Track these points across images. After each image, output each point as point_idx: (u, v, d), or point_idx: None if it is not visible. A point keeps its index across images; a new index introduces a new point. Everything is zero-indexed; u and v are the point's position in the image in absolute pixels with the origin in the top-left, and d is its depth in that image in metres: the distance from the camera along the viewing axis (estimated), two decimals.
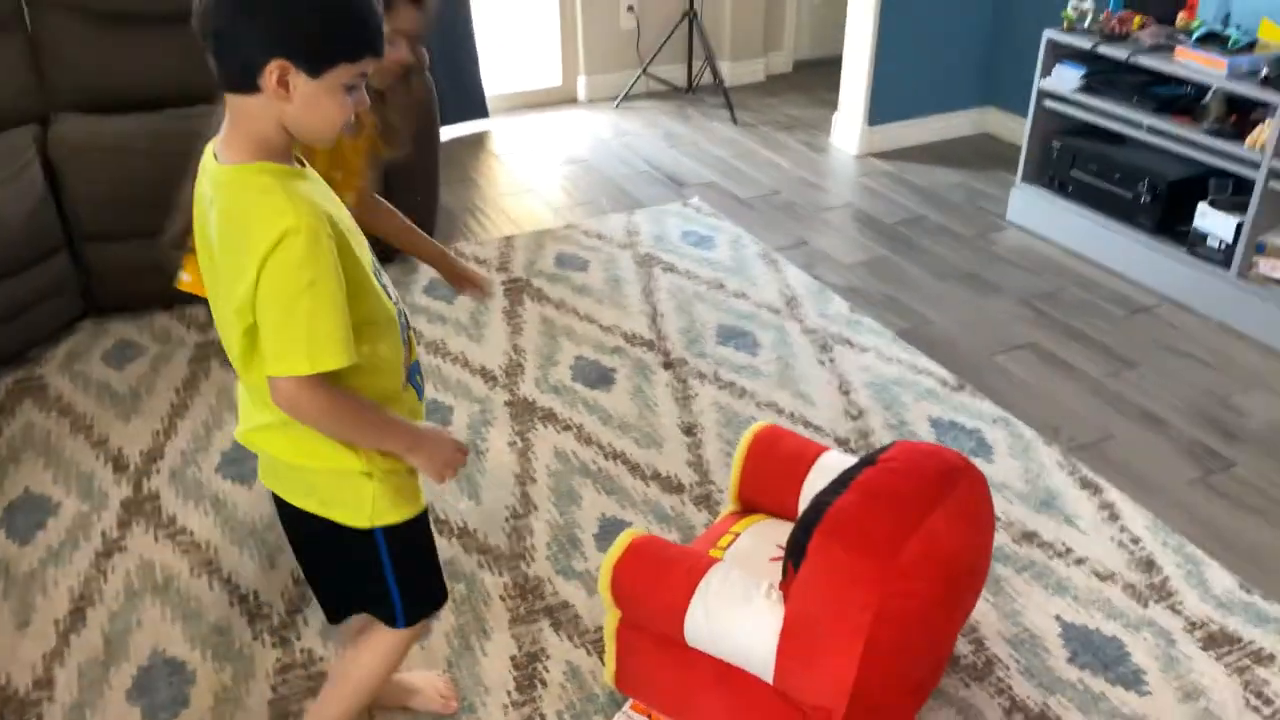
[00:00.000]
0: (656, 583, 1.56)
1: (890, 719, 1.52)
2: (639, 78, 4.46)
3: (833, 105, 4.07)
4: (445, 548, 1.99)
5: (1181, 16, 2.94)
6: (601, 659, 1.74)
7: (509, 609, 1.87)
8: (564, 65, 4.50)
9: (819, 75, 4.74)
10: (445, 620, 1.84)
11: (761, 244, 3.23)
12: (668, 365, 2.61)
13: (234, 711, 1.68)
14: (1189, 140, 2.79)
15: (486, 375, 2.56)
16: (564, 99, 4.54)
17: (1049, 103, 3.17)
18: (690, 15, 4.35)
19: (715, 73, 4.43)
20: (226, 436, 2.32)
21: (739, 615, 1.47)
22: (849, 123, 3.95)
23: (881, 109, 3.89)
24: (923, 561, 1.42)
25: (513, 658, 1.77)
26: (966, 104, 4.05)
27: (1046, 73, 3.14)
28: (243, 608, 1.88)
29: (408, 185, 2.93)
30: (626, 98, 4.49)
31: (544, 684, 1.72)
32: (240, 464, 2.23)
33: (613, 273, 3.07)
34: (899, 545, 1.41)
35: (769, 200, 3.58)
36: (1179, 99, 2.89)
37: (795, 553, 1.43)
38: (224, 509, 2.12)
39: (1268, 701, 1.69)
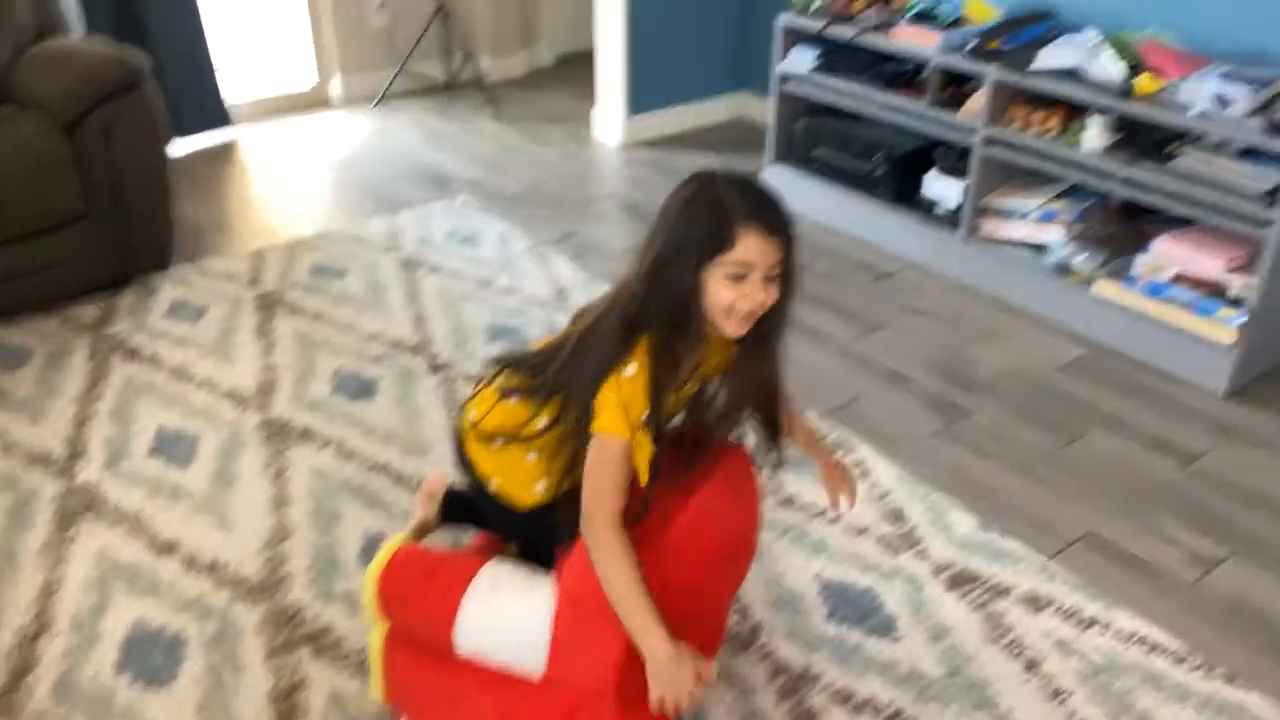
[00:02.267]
0: (425, 587, 1.53)
1: None
2: (396, 76, 4.35)
3: (595, 98, 4.10)
4: (192, 585, 1.87)
5: None
6: (367, 680, 1.67)
7: (265, 643, 1.77)
8: (317, 66, 4.33)
9: (581, 68, 4.76)
10: (194, 662, 1.72)
11: (529, 238, 3.21)
12: (435, 369, 2.54)
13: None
14: (915, 113, 2.97)
15: (237, 398, 2.42)
16: (318, 102, 4.37)
17: (789, 85, 3.30)
18: (441, 10, 4.27)
19: (475, 68, 4.37)
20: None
21: (516, 607, 1.45)
22: (610, 114, 3.99)
23: (640, 99, 3.94)
24: (691, 535, 1.45)
25: (270, 691, 1.68)
26: (722, 90, 4.17)
27: (785, 56, 3.27)
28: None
29: (129, 203, 2.74)
30: (385, 97, 4.36)
31: (306, 714, 1.64)
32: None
33: (374, 278, 2.97)
34: (667, 521, 1.43)
35: (535, 194, 3.57)
36: (903, 74, 3.07)
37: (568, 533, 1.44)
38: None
39: (1006, 630, 1.82)
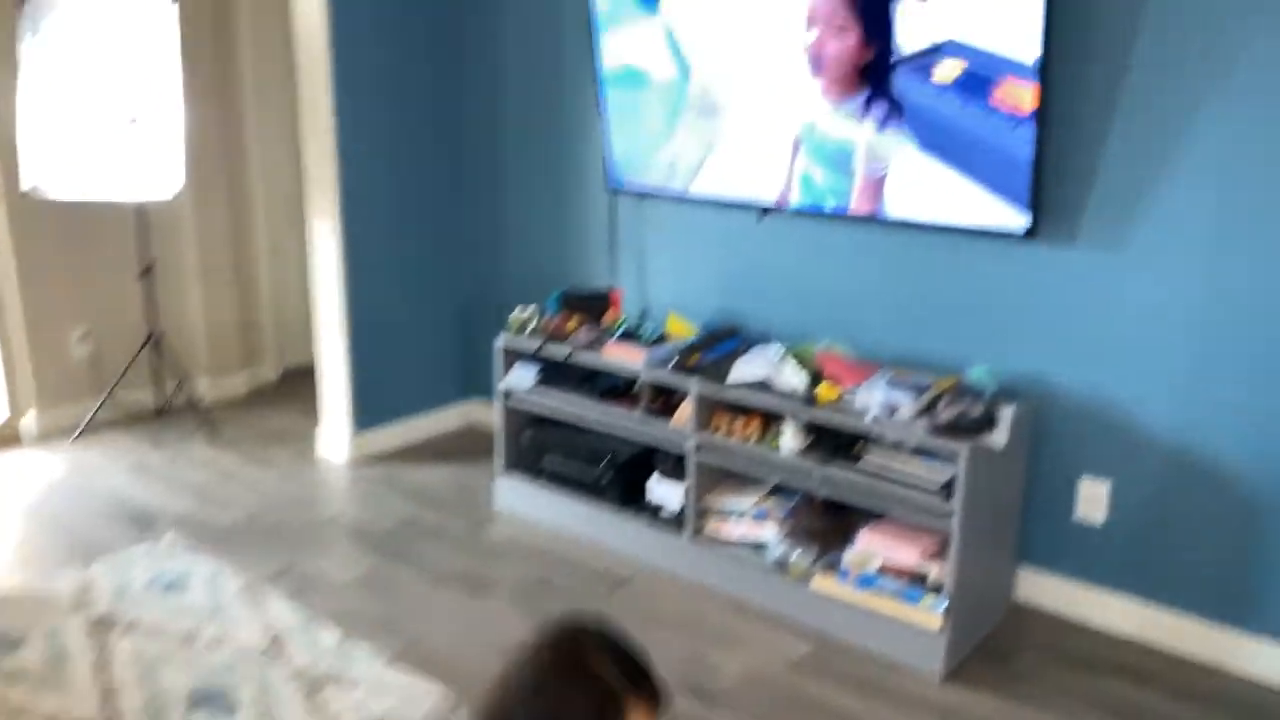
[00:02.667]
0: None
1: None
2: (100, 407, 4.09)
3: (320, 412, 4.02)
4: None
5: (608, 316, 3.34)
6: None
7: None
8: (9, 401, 4.00)
9: (308, 382, 4.69)
10: None
11: (244, 575, 2.99)
12: None
13: None
14: (631, 423, 3.10)
15: None
16: (8, 439, 4.01)
17: (512, 400, 3.38)
18: (154, 336, 4.13)
19: (190, 392, 4.20)
20: None
21: None
22: (335, 431, 3.91)
23: (366, 414, 3.91)
24: None
25: None
26: (451, 399, 4.22)
27: (506, 373, 3.37)
28: None
29: None
30: (87, 430, 4.07)
31: None
32: None
33: (57, 646, 2.62)
34: None
35: (253, 524, 3.36)
36: (618, 387, 3.23)
37: None
38: None
39: None
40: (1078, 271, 2.63)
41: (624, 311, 3.53)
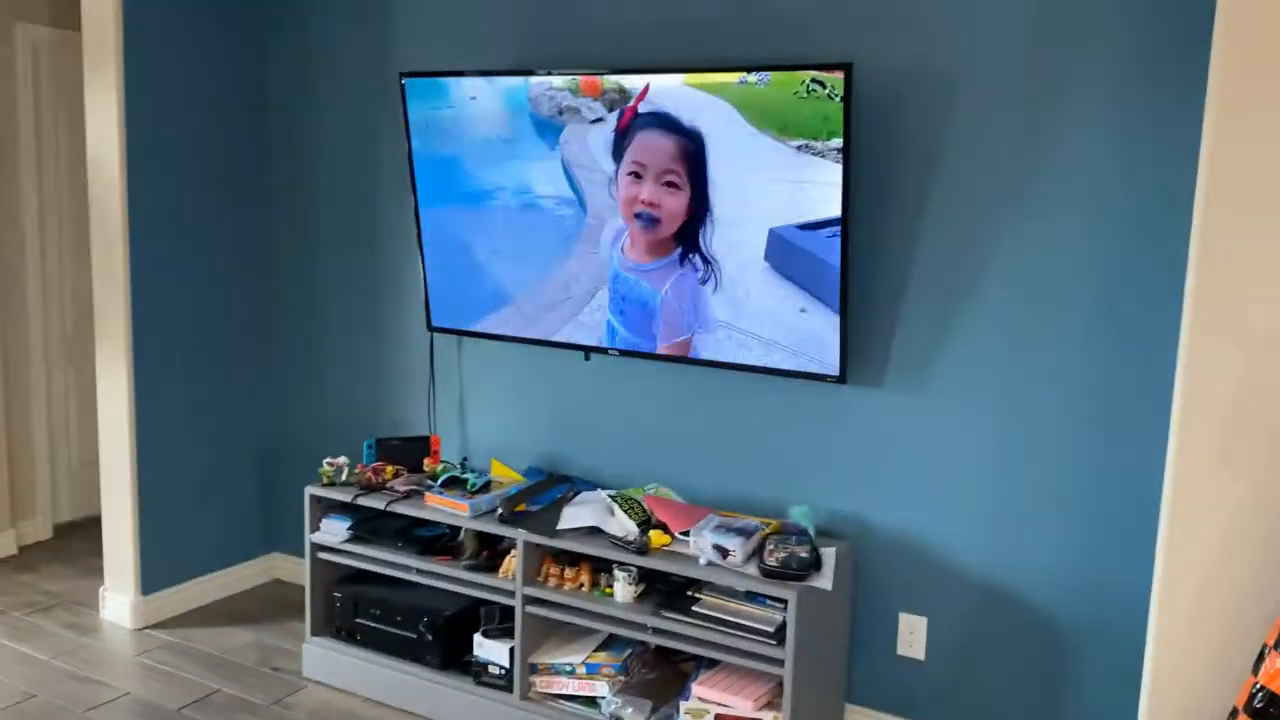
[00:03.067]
0: None
1: None
2: None
3: (103, 572, 3.63)
4: None
5: (428, 463, 3.22)
6: None
7: None
8: None
9: (88, 538, 4.27)
10: None
11: None
12: None
13: None
14: (453, 577, 2.96)
15: None
16: None
17: (323, 554, 3.18)
18: None
19: None
20: None
21: None
22: (120, 594, 3.54)
23: (156, 573, 3.56)
24: None
25: None
26: (252, 554, 3.92)
27: (316, 526, 3.17)
28: None
29: None
30: None
31: None
32: None
33: None
34: None
35: (20, 712, 2.96)
36: (439, 538, 3.09)
37: None
38: None
39: None
40: (886, 413, 2.76)
41: (444, 458, 3.42)
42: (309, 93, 3.65)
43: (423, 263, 3.28)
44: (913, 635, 2.79)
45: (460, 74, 3.04)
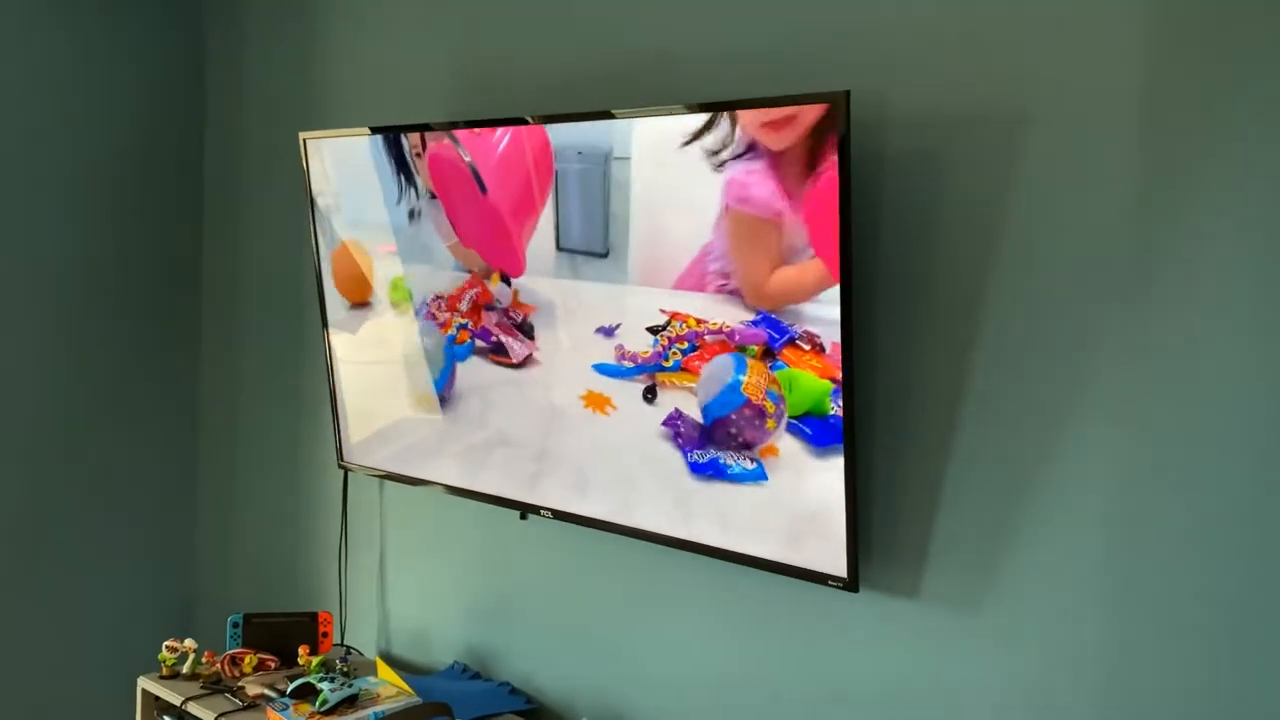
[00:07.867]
0: None
1: None
2: None
3: None
4: None
5: (303, 653, 2.37)
6: None
7: None
8: None
9: None
10: None
11: None
12: None
13: None
14: None
15: None
16: None
17: None
18: None
19: None
20: None
21: None
22: None
23: None
24: None
25: None
26: None
27: None
28: None
29: None
30: None
31: None
32: None
33: None
34: None
35: None
36: None
37: None
38: None
39: None
40: (922, 639, 1.73)
41: (344, 641, 2.58)
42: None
43: (330, 370, 2.52)
44: None
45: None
